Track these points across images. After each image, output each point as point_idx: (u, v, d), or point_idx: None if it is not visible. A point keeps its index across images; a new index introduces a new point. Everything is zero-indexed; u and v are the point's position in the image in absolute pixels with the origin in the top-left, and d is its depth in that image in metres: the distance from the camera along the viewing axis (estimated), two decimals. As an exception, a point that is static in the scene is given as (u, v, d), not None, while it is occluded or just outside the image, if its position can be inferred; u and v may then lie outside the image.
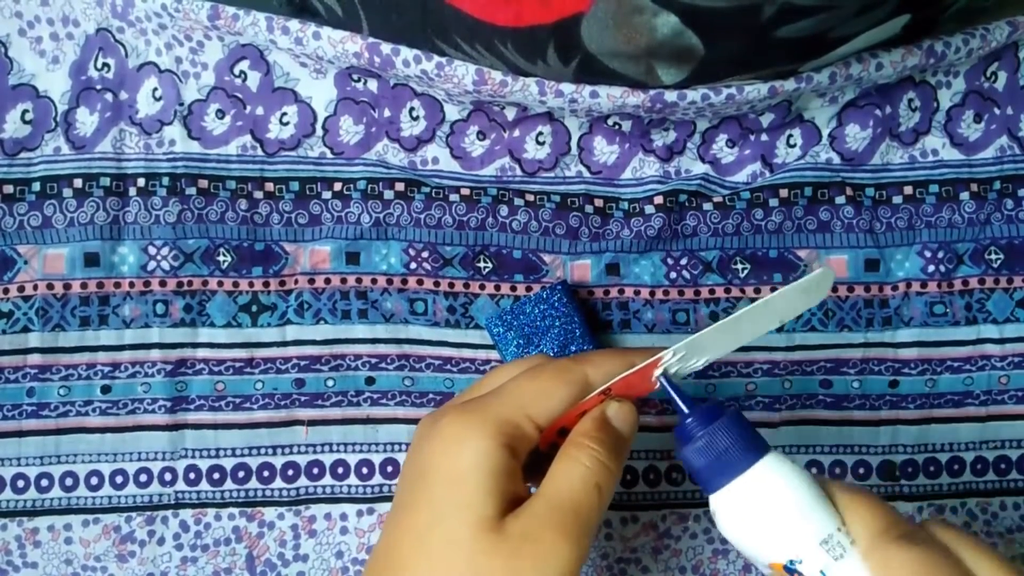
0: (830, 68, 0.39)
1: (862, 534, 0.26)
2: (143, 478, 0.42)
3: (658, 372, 0.29)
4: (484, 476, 0.26)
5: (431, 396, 0.43)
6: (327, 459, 0.42)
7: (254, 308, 0.43)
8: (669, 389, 0.29)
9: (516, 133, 0.44)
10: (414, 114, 0.43)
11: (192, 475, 0.42)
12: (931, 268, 0.43)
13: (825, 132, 0.44)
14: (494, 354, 0.42)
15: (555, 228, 0.43)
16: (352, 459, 0.42)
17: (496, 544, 0.26)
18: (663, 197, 0.43)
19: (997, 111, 0.44)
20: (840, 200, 0.43)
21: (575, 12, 0.33)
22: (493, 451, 0.27)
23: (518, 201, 0.43)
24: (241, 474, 0.42)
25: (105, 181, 0.42)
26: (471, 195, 0.43)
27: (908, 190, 0.44)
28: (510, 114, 0.43)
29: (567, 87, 0.38)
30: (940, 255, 0.43)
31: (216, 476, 0.42)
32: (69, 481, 0.42)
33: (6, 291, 0.42)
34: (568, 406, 0.29)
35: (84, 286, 0.42)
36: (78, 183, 0.42)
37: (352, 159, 0.43)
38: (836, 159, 0.44)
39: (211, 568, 0.42)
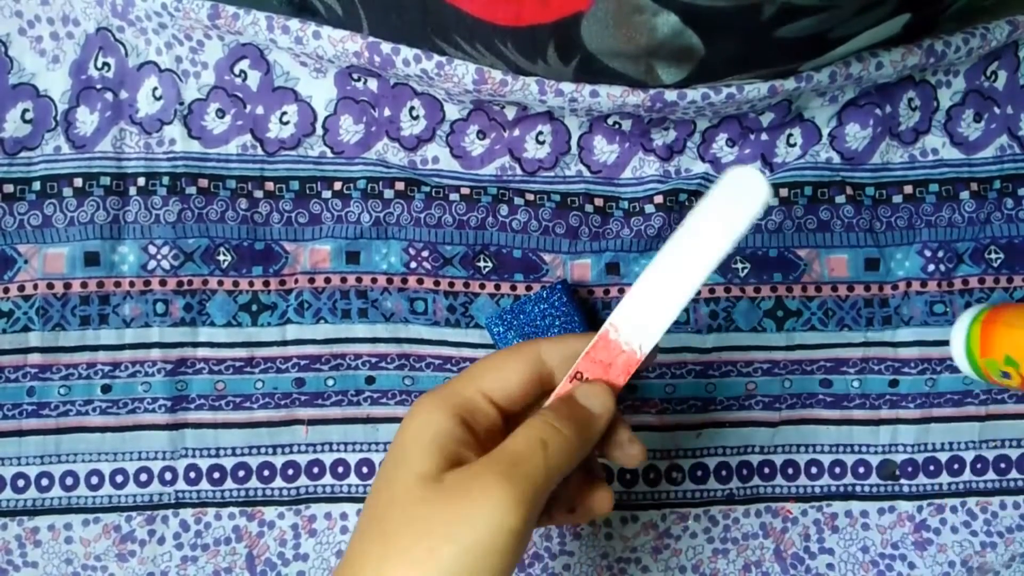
0: (830, 67, 0.39)
1: None
2: (143, 477, 0.42)
3: (612, 334, 0.29)
4: (427, 439, 0.27)
5: None
6: (327, 458, 0.42)
7: (254, 307, 0.43)
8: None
9: (516, 132, 0.44)
10: (414, 113, 0.43)
11: (192, 474, 0.42)
12: (931, 267, 0.43)
13: (825, 131, 0.44)
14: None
15: (555, 227, 0.43)
16: (352, 458, 0.42)
17: (433, 493, 0.26)
18: (663, 196, 0.43)
19: (997, 110, 0.44)
20: (840, 199, 0.43)
21: (575, 11, 0.32)
22: (438, 419, 0.28)
23: (518, 200, 0.43)
24: (241, 473, 0.42)
25: (105, 180, 0.42)
26: (471, 194, 0.43)
27: (908, 189, 0.44)
28: (510, 113, 0.43)
29: (567, 86, 0.38)
30: (940, 254, 0.43)
31: (216, 475, 0.42)
32: (69, 480, 0.42)
33: (6, 290, 0.42)
34: (522, 380, 0.29)
35: (84, 285, 0.42)
36: (78, 182, 0.42)
37: (352, 158, 0.43)
38: (836, 158, 0.44)
39: (211, 567, 0.42)
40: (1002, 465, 0.43)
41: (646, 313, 0.29)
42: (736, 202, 0.28)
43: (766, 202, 0.28)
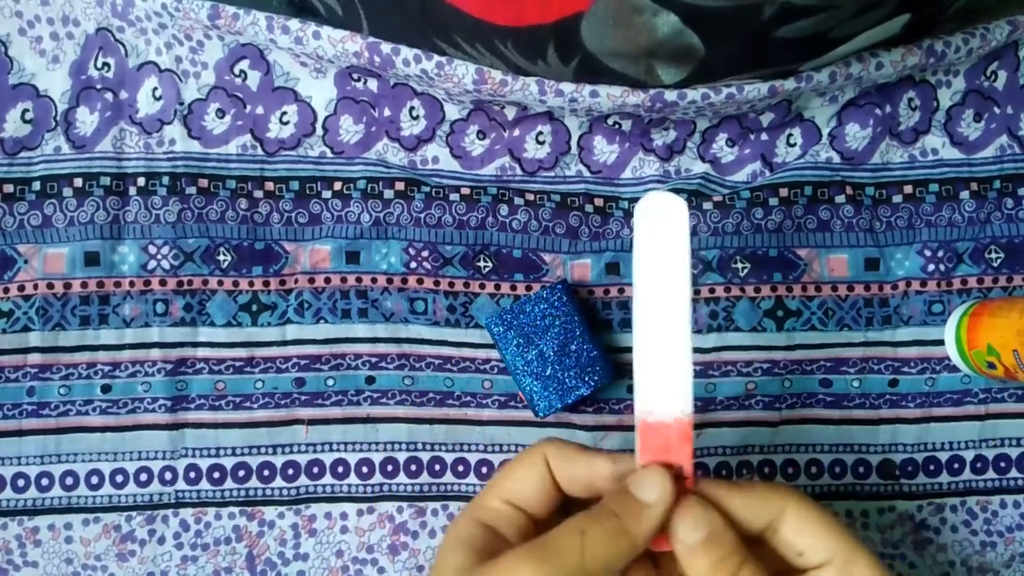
0: (830, 67, 0.39)
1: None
2: (143, 477, 0.42)
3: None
4: (459, 542, 0.27)
5: (431, 395, 0.43)
6: (327, 458, 0.42)
7: (254, 307, 0.43)
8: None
9: (516, 132, 0.44)
10: (414, 113, 0.43)
11: (192, 474, 0.42)
12: (931, 267, 0.43)
13: (825, 131, 0.44)
14: (494, 353, 0.43)
15: (555, 227, 0.43)
16: (352, 458, 0.42)
17: None
18: (663, 196, 0.43)
19: (997, 110, 0.44)
20: (840, 199, 0.43)
21: (575, 12, 0.32)
22: (466, 527, 0.28)
23: (518, 200, 0.43)
24: (241, 473, 0.42)
25: (105, 180, 0.42)
26: (471, 194, 0.43)
27: (908, 189, 0.44)
28: (510, 113, 0.43)
29: (567, 86, 0.38)
30: (940, 254, 0.43)
31: (216, 475, 0.42)
32: (69, 480, 0.42)
33: (6, 290, 0.42)
34: (535, 483, 0.28)
35: (84, 285, 0.42)
36: (78, 182, 0.42)
37: (352, 158, 0.43)
38: (836, 158, 0.44)
39: (211, 567, 0.42)
40: (1002, 464, 0.43)
41: (665, 381, 0.27)
42: (662, 229, 0.27)
43: (686, 212, 0.27)
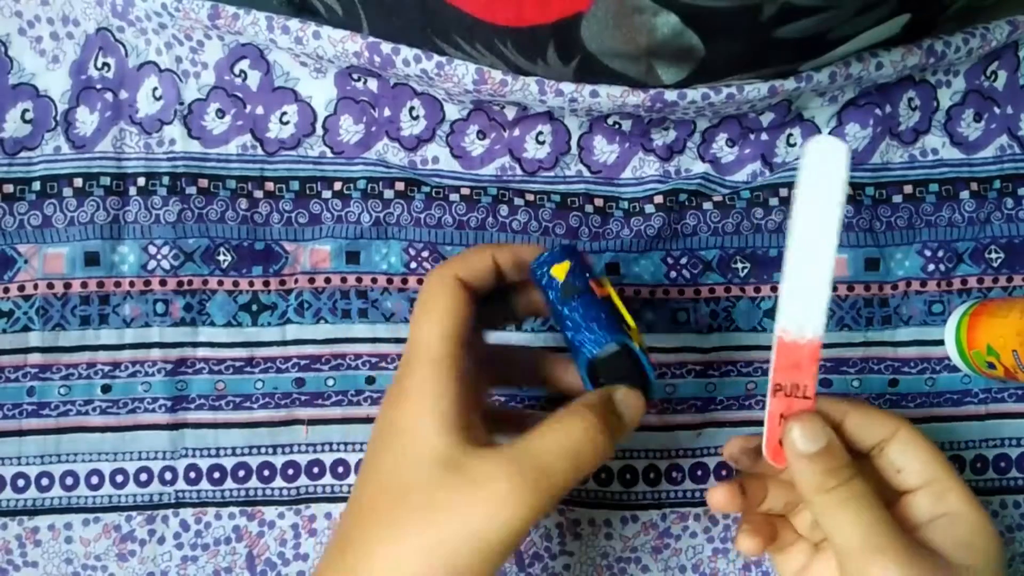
0: (830, 67, 0.39)
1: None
2: (143, 477, 0.42)
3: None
4: (439, 413, 0.28)
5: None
6: (327, 458, 0.42)
7: (254, 307, 0.43)
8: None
9: (516, 132, 0.44)
10: (414, 113, 0.43)
11: (192, 474, 0.42)
12: (931, 267, 0.43)
13: (825, 131, 0.44)
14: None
15: (555, 228, 0.43)
16: (352, 458, 0.42)
17: (453, 479, 0.26)
18: (663, 196, 0.43)
19: (997, 110, 0.44)
20: (840, 199, 0.43)
21: (575, 11, 0.32)
22: (444, 384, 0.28)
23: (518, 201, 0.43)
24: (241, 473, 0.42)
25: (105, 180, 0.42)
26: (471, 195, 0.43)
27: (908, 189, 0.44)
28: (510, 113, 0.43)
29: (567, 86, 0.38)
30: (940, 254, 0.43)
31: (216, 475, 0.42)
32: (69, 480, 0.42)
33: (6, 290, 0.42)
34: (462, 313, 0.30)
35: (84, 285, 0.42)
36: (78, 182, 0.42)
37: (352, 158, 0.43)
38: (836, 158, 0.44)
39: (211, 567, 0.42)
40: (1002, 464, 0.43)
41: (804, 304, 0.30)
42: (824, 171, 0.29)
43: (849, 159, 0.29)
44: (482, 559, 0.26)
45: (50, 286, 0.42)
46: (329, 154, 0.43)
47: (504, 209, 0.43)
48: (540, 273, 0.33)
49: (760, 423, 0.43)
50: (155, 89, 0.43)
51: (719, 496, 0.33)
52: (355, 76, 0.43)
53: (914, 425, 0.31)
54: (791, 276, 0.30)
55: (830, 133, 0.44)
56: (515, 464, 0.26)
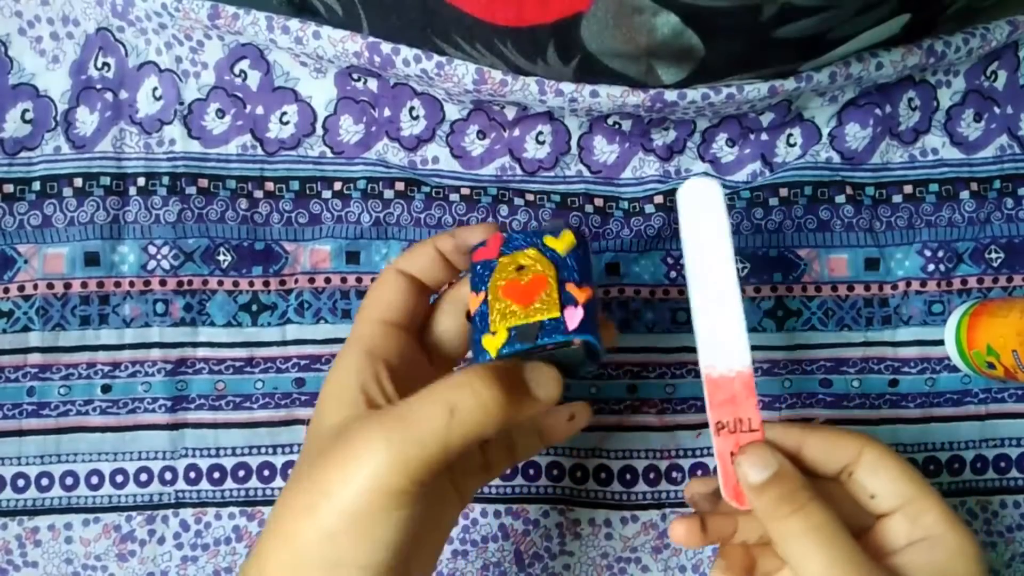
0: (830, 67, 0.39)
1: None
2: (143, 477, 0.42)
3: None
4: (341, 385, 0.28)
5: None
6: (327, 458, 0.42)
7: (254, 307, 0.43)
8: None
9: (516, 132, 0.44)
10: (414, 113, 0.43)
11: (192, 474, 0.42)
12: (931, 267, 0.43)
13: (825, 131, 0.44)
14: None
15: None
16: (352, 458, 0.42)
17: (329, 444, 0.26)
18: (663, 196, 0.43)
19: (997, 110, 0.44)
20: (840, 199, 0.43)
21: (575, 11, 0.32)
22: (352, 362, 0.29)
23: (518, 201, 0.43)
24: (241, 473, 0.42)
25: (105, 180, 0.42)
26: (471, 195, 0.43)
27: (908, 189, 0.44)
28: (510, 113, 0.43)
29: (567, 86, 0.38)
30: (940, 254, 0.43)
31: (216, 475, 0.42)
32: (69, 480, 0.42)
33: (6, 290, 0.42)
34: (406, 294, 0.31)
35: (84, 285, 0.42)
36: (78, 182, 0.42)
37: (352, 158, 0.43)
38: (836, 158, 0.44)
39: (211, 567, 0.42)
40: (1002, 464, 0.43)
41: (723, 338, 0.30)
42: (703, 210, 0.30)
43: (720, 191, 0.30)
44: (355, 515, 0.24)
45: (50, 286, 0.42)
46: (329, 154, 0.43)
47: (504, 209, 0.43)
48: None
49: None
50: (155, 89, 0.43)
51: (678, 531, 0.31)
52: (355, 76, 0.43)
53: (880, 442, 0.29)
54: (701, 316, 0.30)
55: (830, 133, 0.44)
56: (390, 429, 0.24)
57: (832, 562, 0.26)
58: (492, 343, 0.28)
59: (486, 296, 0.29)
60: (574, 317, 0.28)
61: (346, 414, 0.27)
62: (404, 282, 0.31)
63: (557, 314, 0.28)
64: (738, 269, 0.30)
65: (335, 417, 0.27)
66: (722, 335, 0.30)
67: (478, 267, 0.30)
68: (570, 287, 0.29)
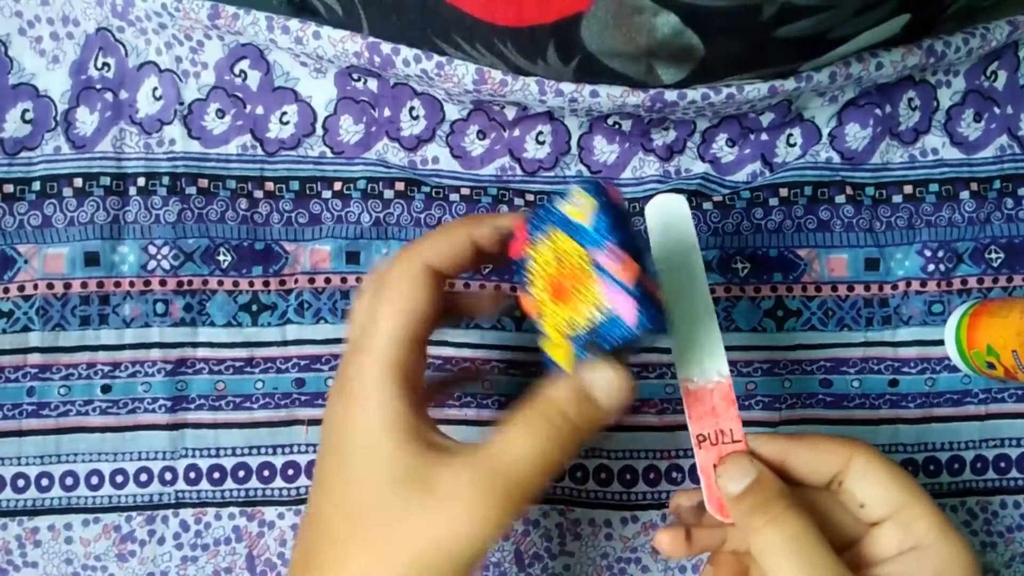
0: (830, 67, 0.39)
1: None
2: (143, 477, 0.42)
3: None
4: (389, 423, 0.25)
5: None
6: (327, 458, 0.42)
7: (254, 307, 0.43)
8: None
9: (516, 132, 0.44)
10: (414, 113, 0.43)
11: (192, 474, 0.42)
12: (931, 267, 0.43)
13: (825, 131, 0.44)
14: (495, 354, 0.43)
15: (555, 227, 0.43)
16: (352, 458, 0.42)
17: (423, 502, 0.24)
18: (663, 196, 0.43)
19: (997, 110, 0.44)
20: (840, 199, 0.43)
21: (575, 12, 0.33)
22: (391, 395, 0.26)
23: (518, 201, 0.43)
24: (241, 473, 0.42)
25: (105, 180, 0.42)
26: (471, 195, 0.43)
27: (908, 189, 0.44)
28: (510, 113, 0.43)
29: (567, 87, 0.38)
30: (940, 254, 0.43)
31: (216, 475, 0.42)
32: (69, 480, 0.42)
33: (6, 291, 0.42)
34: (460, 243, 0.28)
35: (84, 285, 0.42)
36: (78, 182, 0.42)
37: (352, 158, 0.43)
38: (836, 158, 0.44)
39: (211, 567, 0.42)
40: (1002, 464, 0.43)
41: (700, 350, 0.30)
42: (670, 224, 0.30)
43: (686, 205, 0.30)
44: (453, 573, 0.24)
45: (50, 286, 0.42)
46: (329, 154, 0.43)
47: (504, 209, 0.43)
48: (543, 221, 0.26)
49: (760, 424, 0.43)
50: (155, 89, 0.43)
51: (663, 541, 0.30)
52: (355, 76, 0.43)
53: (870, 448, 0.28)
54: (675, 330, 0.29)
55: (830, 133, 0.44)
56: (482, 477, 0.24)
57: (804, 574, 0.25)
58: (561, 356, 0.26)
59: (534, 299, 0.27)
60: (628, 309, 0.24)
61: (411, 451, 0.25)
62: (435, 283, 0.27)
63: (610, 309, 0.24)
64: (710, 288, 0.30)
65: (397, 454, 0.25)
66: (698, 348, 0.30)
67: (517, 264, 0.28)
68: (609, 266, 0.24)
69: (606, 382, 0.26)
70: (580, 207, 0.25)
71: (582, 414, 0.26)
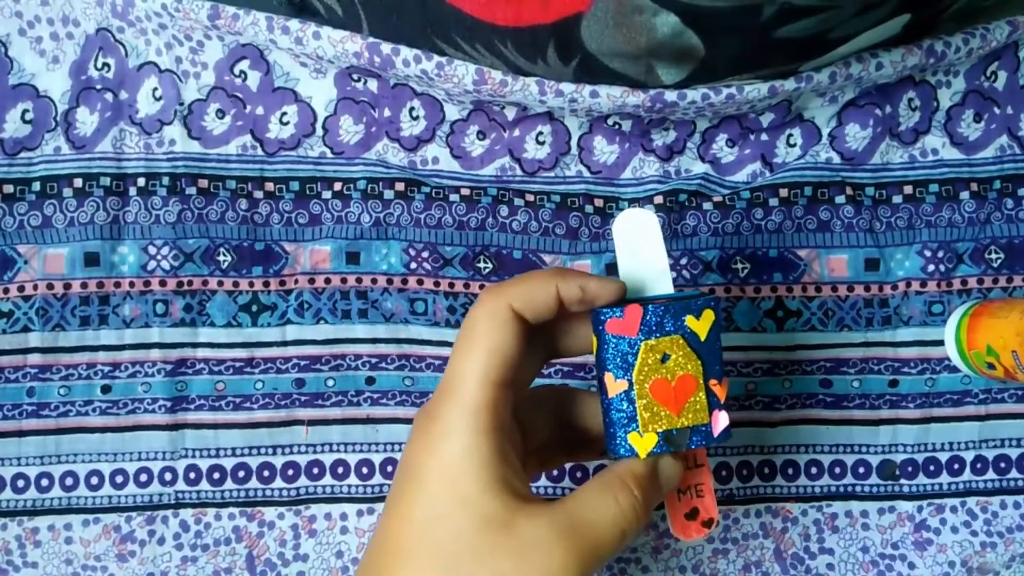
0: (830, 68, 0.39)
1: None
2: (143, 478, 0.42)
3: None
4: (482, 472, 0.26)
5: (431, 396, 0.42)
6: (327, 459, 0.42)
7: (254, 308, 0.43)
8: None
9: (516, 133, 0.44)
10: (414, 114, 0.43)
11: (192, 475, 0.42)
12: (931, 267, 0.43)
13: (825, 131, 0.44)
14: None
15: (555, 228, 0.43)
16: (352, 459, 0.42)
17: (505, 544, 0.26)
18: (663, 197, 0.43)
19: (997, 111, 0.44)
20: (840, 200, 0.43)
21: (575, 12, 0.33)
22: (480, 441, 0.27)
23: (518, 201, 0.43)
24: (241, 474, 0.42)
25: (105, 181, 0.42)
26: (471, 195, 0.43)
27: (908, 189, 0.44)
28: (510, 114, 0.43)
29: (567, 87, 0.38)
30: (940, 254, 0.43)
31: (216, 476, 0.42)
32: (69, 481, 0.42)
33: (6, 291, 0.42)
34: (546, 292, 0.29)
35: (84, 286, 0.42)
36: (78, 183, 0.42)
37: (352, 159, 0.43)
38: (836, 158, 0.44)
39: (211, 568, 0.42)
40: (1002, 465, 0.43)
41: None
42: (641, 238, 0.31)
43: (658, 222, 0.31)
44: None
45: (50, 286, 0.42)
46: (329, 154, 0.43)
47: (504, 209, 0.43)
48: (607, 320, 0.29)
49: (760, 424, 0.43)
50: (155, 89, 0.43)
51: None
52: (355, 76, 0.43)
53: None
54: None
55: (830, 133, 0.44)
56: (568, 534, 0.26)
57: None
58: (641, 444, 0.29)
59: (630, 386, 0.29)
60: (721, 423, 0.29)
61: (495, 496, 0.26)
62: (521, 330, 0.28)
63: (706, 420, 0.29)
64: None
65: (482, 499, 0.26)
66: None
67: (613, 341, 0.29)
68: (713, 385, 0.29)
69: (673, 472, 0.30)
70: (702, 321, 0.29)
71: (649, 493, 0.29)
